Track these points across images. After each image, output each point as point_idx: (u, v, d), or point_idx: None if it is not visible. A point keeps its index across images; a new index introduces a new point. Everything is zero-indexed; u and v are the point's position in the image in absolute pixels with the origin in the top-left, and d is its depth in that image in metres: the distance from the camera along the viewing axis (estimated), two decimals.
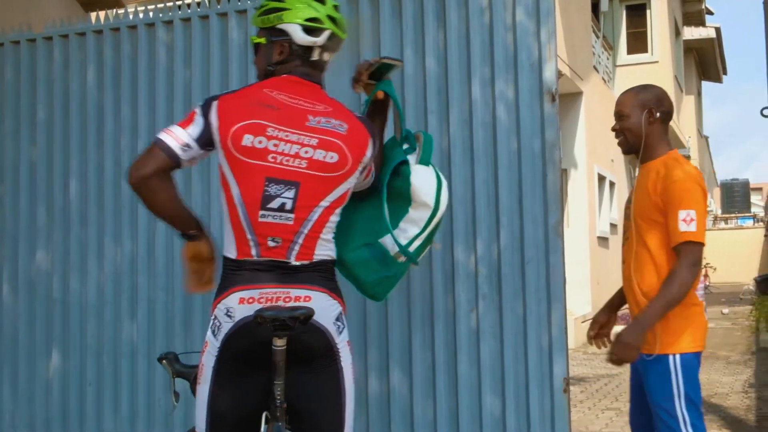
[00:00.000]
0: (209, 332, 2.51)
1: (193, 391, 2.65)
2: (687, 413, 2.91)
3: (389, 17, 3.90)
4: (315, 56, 2.60)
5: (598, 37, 13.95)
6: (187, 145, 2.46)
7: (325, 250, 2.52)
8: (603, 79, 14.05)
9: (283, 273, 2.45)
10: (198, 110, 2.51)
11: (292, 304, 2.43)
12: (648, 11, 16.50)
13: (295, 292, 2.44)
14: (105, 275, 4.29)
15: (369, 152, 2.61)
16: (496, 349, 3.67)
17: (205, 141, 2.48)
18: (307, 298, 2.45)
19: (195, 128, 2.48)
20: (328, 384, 2.52)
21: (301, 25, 2.54)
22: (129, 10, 4.42)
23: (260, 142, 2.44)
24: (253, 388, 2.49)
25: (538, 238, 3.63)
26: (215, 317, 2.48)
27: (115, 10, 4.50)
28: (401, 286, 3.77)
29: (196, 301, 4.10)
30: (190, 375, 2.79)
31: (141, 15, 4.34)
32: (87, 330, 4.30)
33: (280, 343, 2.38)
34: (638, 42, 16.46)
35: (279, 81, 2.59)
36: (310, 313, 2.37)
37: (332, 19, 2.61)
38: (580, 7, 12.04)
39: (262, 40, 2.64)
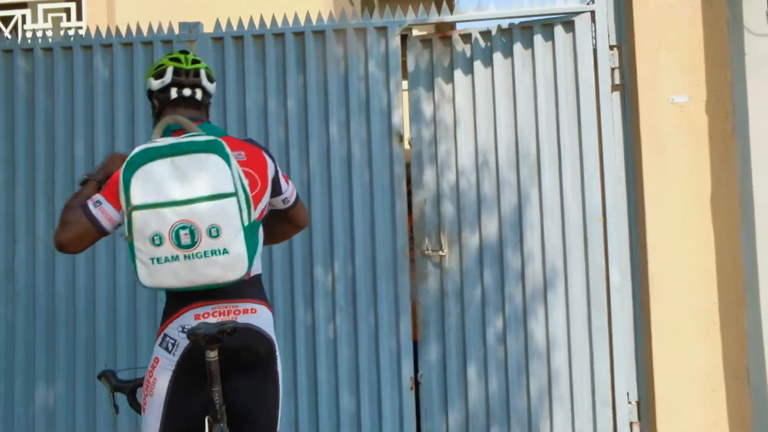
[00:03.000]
0: (161, 350, 2.75)
1: (131, 404, 2.98)
2: None
3: (253, 61, 4.34)
4: (173, 94, 2.90)
5: None
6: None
7: (258, 266, 2.89)
8: None
9: (230, 289, 2.76)
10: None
11: (241, 316, 2.77)
12: None
13: (242, 305, 2.80)
14: None
15: (271, 169, 2.95)
16: (352, 355, 4.22)
17: None
18: (253, 311, 2.81)
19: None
20: (269, 386, 2.88)
21: (152, 76, 2.93)
22: None
23: None
24: (205, 399, 2.77)
25: (388, 258, 4.23)
26: (166, 335, 2.74)
27: None
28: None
29: (59, 319, 4.30)
30: (126, 389, 3.09)
31: None
32: None
33: (213, 355, 2.69)
34: None
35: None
36: (236, 326, 2.70)
37: (173, 59, 2.94)
38: None
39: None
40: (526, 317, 4.16)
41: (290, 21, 4.34)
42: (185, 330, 2.71)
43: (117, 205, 2.72)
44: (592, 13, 4.19)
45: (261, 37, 4.33)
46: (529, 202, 4.19)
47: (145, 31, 4.42)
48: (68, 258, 4.25)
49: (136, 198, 2.63)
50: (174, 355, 2.74)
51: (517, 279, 4.18)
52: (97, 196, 2.75)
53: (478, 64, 4.26)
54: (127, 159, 2.66)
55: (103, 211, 2.72)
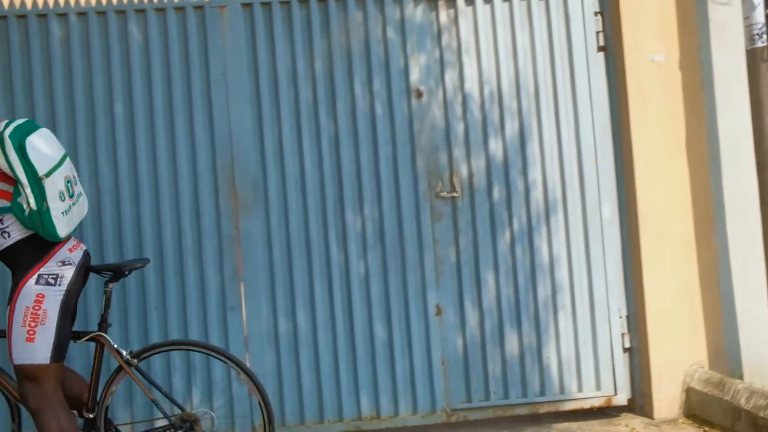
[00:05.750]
0: (41, 287, 3.38)
1: None
2: None
3: (281, 26, 4.74)
4: None
5: None
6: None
7: None
8: None
9: None
10: None
11: (82, 244, 3.64)
12: None
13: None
14: None
15: None
16: (382, 288, 4.74)
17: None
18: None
19: None
20: None
21: None
22: None
23: None
24: (75, 311, 3.61)
25: (410, 201, 4.76)
26: (41, 275, 3.39)
27: None
28: (301, 242, 4.69)
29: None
30: None
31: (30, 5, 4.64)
32: None
33: (112, 285, 3.72)
34: None
35: None
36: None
37: None
38: None
39: None
40: (532, 235, 4.82)
41: None
42: (67, 263, 3.46)
43: None
44: None
45: (287, 3, 4.74)
46: (531, 147, 4.82)
47: None
48: (113, 210, 4.60)
49: (41, 169, 3.35)
50: (60, 285, 3.43)
51: (522, 202, 4.82)
52: None
53: (481, 25, 4.84)
54: (6, 139, 3.32)
55: None
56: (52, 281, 3.39)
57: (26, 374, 3.40)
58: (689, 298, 4.74)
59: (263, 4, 4.74)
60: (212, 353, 3.91)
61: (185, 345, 4.17)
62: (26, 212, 3.32)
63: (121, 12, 4.68)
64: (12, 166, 3.31)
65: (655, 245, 4.72)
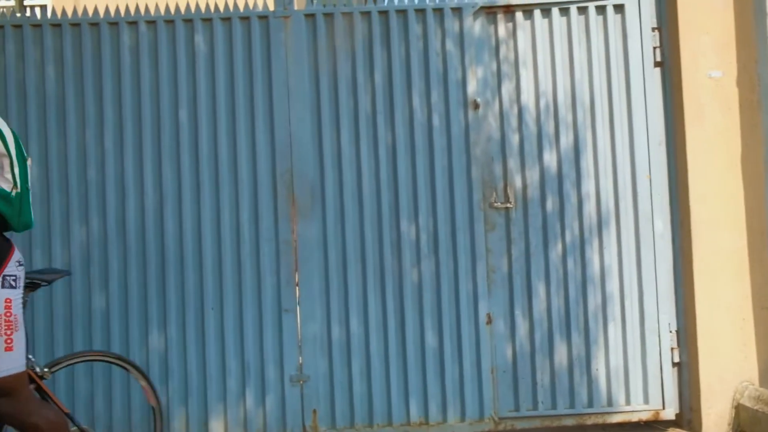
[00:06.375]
0: (7, 291, 3.18)
1: None
2: None
3: (343, 36, 4.86)
4: None
5: None
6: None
7: None
8: None
9: None
10: None
11: None
12: None
13: None
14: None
15: None
16: (435, 296, 4.82)
17: None
18: None
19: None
20: None
21: None
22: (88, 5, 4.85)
23: None
24: None
25: (465, 211, 4.84)
26: (6, 276, 3.18)
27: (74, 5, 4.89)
28: (356, 249, 4.80)
29: (169, 266, 4.74)
30: None
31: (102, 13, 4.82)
32: None
33: (29, 294, 3.62)
34: None
35: None
36: None
37: None
38: None
39: None
40: (584, 247, 4.87)
41: None
42: (21, 263, 3.29)
43: None
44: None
45: (349, 14, 4.86)
46: (585, 160, 4.87)
47: (241, 7, 4.89)
48: (175, 213, 4.74)
49: (23, 150, 3.24)
50: (19, 287, 3.28)
51: (575, 214, 4.88)
52: None
53: (538, 38, 4.91)
54: None
55: None
56: (14, 283, 3.22)
57: (4, 388, 3.18)
58: (741, 315, 4.74)
59: (326, 15, 4.86)
60: (119, 362, 4.05)
61: (96, 356, 4.17)
62: (12, 193, 3.18)
63: (188, 21, 4.83)
64: (6, 141, 3.17)
65: (708, 260, 4.74)
